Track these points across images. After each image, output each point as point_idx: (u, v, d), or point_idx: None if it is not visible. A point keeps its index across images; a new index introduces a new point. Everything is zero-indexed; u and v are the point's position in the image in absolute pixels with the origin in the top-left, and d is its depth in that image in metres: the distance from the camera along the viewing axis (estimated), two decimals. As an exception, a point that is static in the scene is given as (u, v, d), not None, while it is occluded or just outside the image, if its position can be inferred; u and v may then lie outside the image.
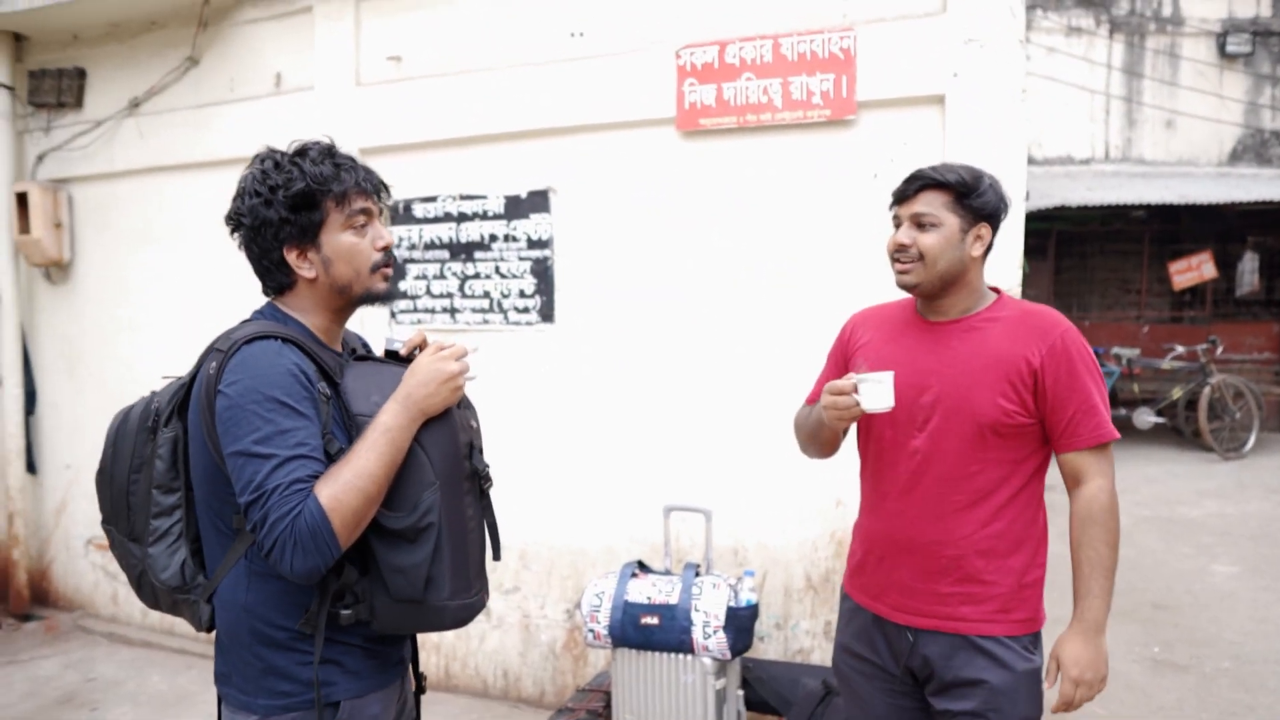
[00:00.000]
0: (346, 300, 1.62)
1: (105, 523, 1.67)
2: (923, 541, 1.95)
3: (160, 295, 4.78)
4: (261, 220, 1.54)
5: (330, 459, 1.46)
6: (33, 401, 5.23)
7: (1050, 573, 2.09)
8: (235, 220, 1.59)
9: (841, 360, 2.21)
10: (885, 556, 2.03)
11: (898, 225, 2.01)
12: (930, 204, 1.94)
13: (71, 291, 5.12)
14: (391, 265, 1.66)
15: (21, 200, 4.91)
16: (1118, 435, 1.92)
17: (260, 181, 1.54)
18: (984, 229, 1.96)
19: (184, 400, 1.58)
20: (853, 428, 2.16)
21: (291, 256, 1.56)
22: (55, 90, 4.96)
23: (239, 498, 1.41)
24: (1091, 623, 1.86)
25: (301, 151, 1.58)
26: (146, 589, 1.64)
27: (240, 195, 1.57)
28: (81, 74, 4.96)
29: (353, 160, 1.61)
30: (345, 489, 1.40)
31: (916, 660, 1.97)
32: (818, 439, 2.16)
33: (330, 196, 1.55)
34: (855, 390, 1.88)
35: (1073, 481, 1.92)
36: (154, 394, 1.66)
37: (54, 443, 5.23)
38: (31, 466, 5.23)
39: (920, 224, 1.95)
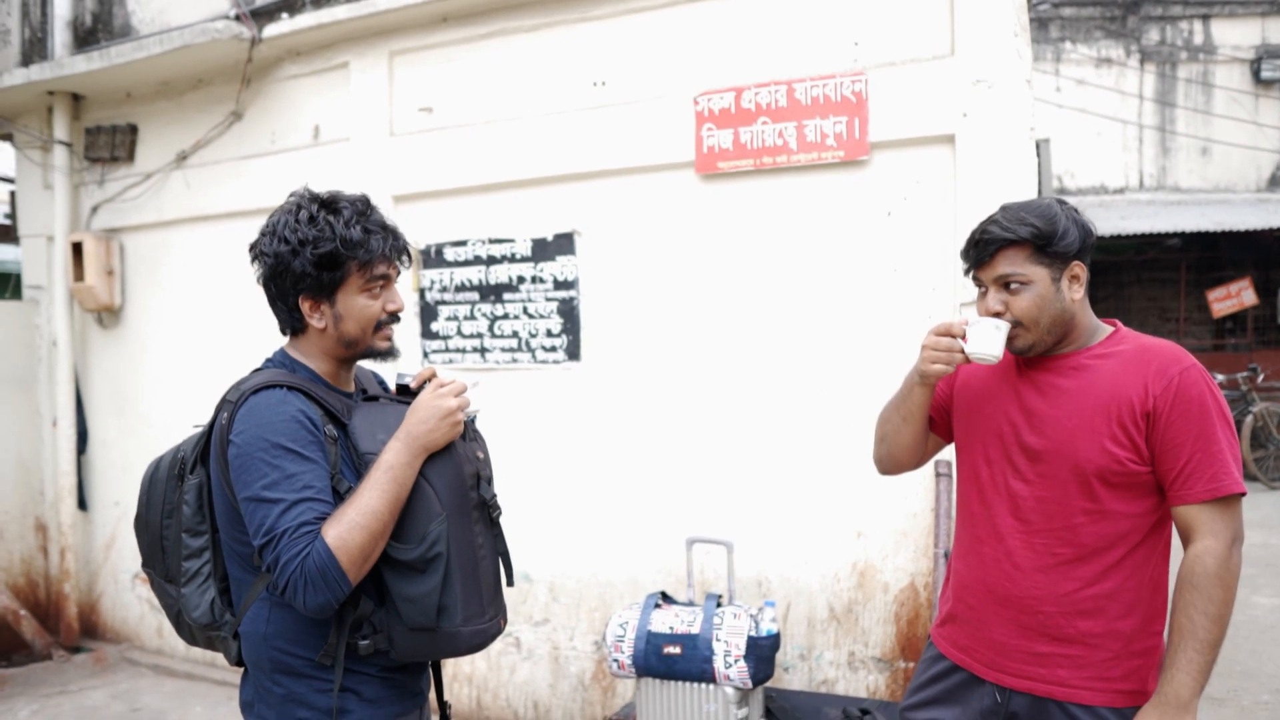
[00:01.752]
0: (351, 353, 1.70)
1: (145, 565, 1.78)
2: (1018, 596, 1.80)
3: (204, 339, 4.99)
4: (284, 267, 1.61)
5: (340, 498, 1.54)
6: (84, 441, 5.45)
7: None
8: (258, 256, 1.66)
9: (944, 388, 2.04)
10: (977, 607, 1.88)
11: (980, 287, 1.85)
12: (1012, 262, 1.77)
13: (122, 335, 5.35)
14: (395, 325, 1.74)
15: (77, 250, 5.16)
16: (1242, 489, 1.67)
17: (292, 230, 1.60)
18: (1078, 268, 1.79)
19: (205, 448, 1.67)
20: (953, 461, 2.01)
21: (305, 306, 1.65)
22: (109, 145, 5.24)
23: (252, 540, 1.50)
24: (1172, 699, 1.63)
25: (335, 208, 1.64)
26: (184, 626, 1.73)
27: (269, 234, 1.63)
28: (133, 129, 5.22)
29: (383, 224, 1.68)
30: (350, 528, 1.48)
31: None
32: (899, 411, 1.99)
33: (355, 261, 1.62)
34: (965, 334, 1.75)
35: (1184, 539, 1.70)
36: (181, 444, 1.76)
37: (104, 481, 5.43)
38: (83, 504, 5.44)
39: (1008, 286, 1.78)
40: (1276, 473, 8.81)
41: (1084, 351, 1.81)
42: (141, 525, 1.77)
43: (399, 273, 1.75)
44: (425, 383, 1.74)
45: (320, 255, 1.60)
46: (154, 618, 5.18)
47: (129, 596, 5.30)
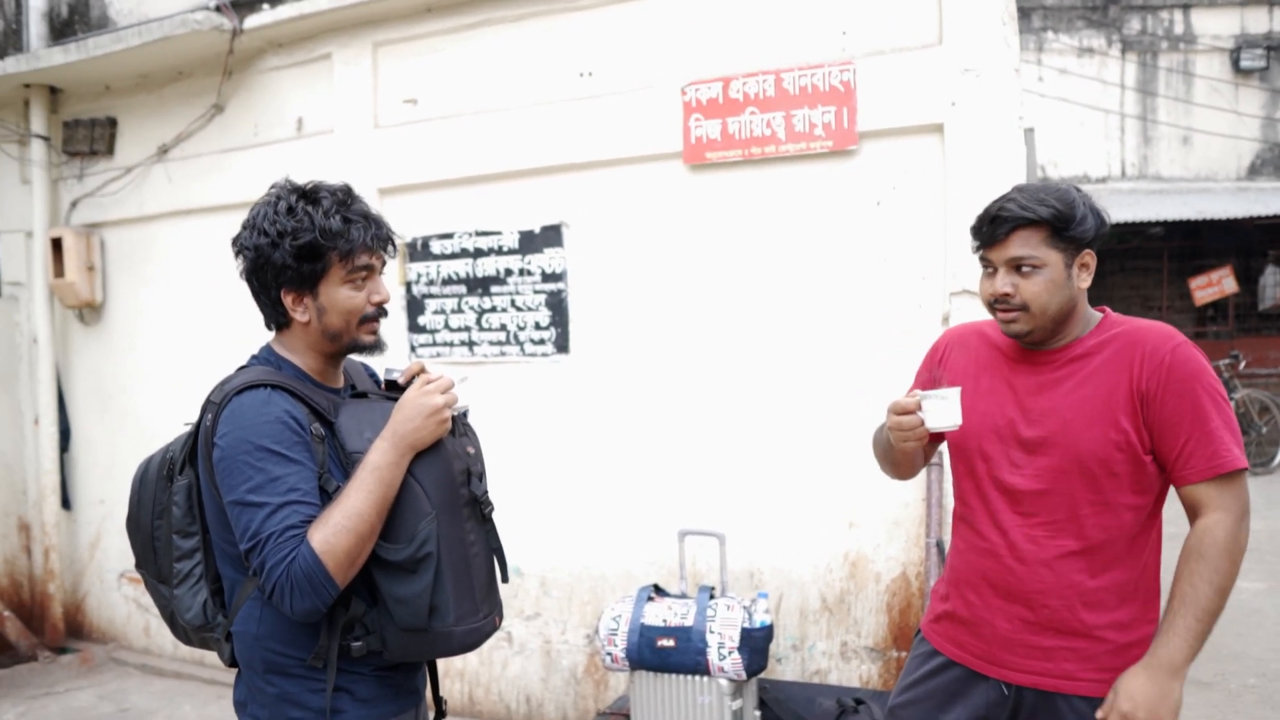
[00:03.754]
0: (336, 347, 1.66)
1: (138, 566, 1.75)
2: (1023, 590, 1.77)
3: (189, 335, 4.93)
4: (265, 260, 1.58)
5: (328, 497, 1.52)
6: (67, 439, 5.39)
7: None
8: (240, 250, 1.64)
9: (929, 381, 2.01)
10: (975, 604, 1.85)
11: (987, 267, 1.80)
12: (1027, 244, 1.71)
13: (103, 332, 5.29)
14: (382, 319, 1.70)
15: (56, 245, 5.09)
16: (1244, 464, 1.65)
17: (270, 222, 1.57)
18: (1088, 256, 1.75)
19: (194, 449, 1.64)
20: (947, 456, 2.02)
21: (288, 300, 1.61)
22: (88, 139, 5.16)
23: (239, 545, 1.49)
24: (1164, 660, 1.62)
25: (315, 198, 1.60)
26: (178, 627, 1.71)
27: (250, 226, 1.61)
28: (113, 123, 5.15)
29: (365, 213, 1.64)
30: (336, 531, 1.45)
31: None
32: (890, 459, 2.00)
33: (336, 251, 1.58)
34: (920, 408, 1.74)
35: (1191, 516, 1.69)
36: (170, 444, 1.73)
37: (88, 479, 5.37)
38: (66, 502, 5.38)
39: (1019, 268, 1.72)
40: (1259, 459, 8.90)
41: (1077, 342, 1.78)
42: (133, 526, 1.74)
43: (384, 264, 1.71)
44: (414, 378, 1.71)
45: (300, 246, 1.57)
46: (141, 617, 5.13)
47: (115, 596, 5.25)
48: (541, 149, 3.89)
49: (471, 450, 1.70)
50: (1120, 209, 10.00)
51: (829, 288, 3.44)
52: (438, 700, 1.83)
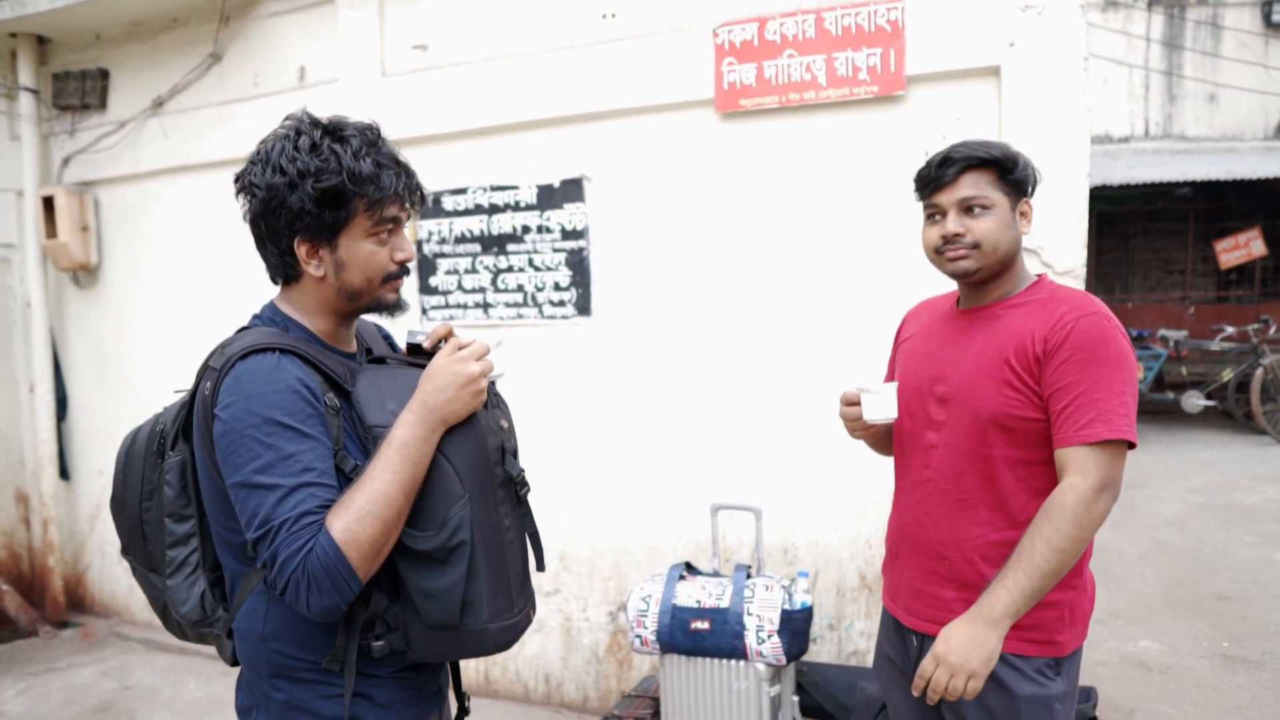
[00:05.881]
0: (353, 307, 1.47)
1: (124, 552, 1.56)
2: (928, 542, 1.83)
3: (188, 296, 4.72)
4: (279, 202, 1.36)
5: (345, 479, 1.33)
6: (64, 407, 5.20)
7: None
8: (248, 188, 1.41)
9: (894, 356, 2.10)
10: (898, 555, 1.93)
11: (933, 214, 1.83)
12: (977, 185, 1.76)
13: (99, 295, 5.07)
14: (405, 277, 1.51)
15: (48, 204, 4.86)
16: (1121, 435, 1.62)
17: (290, 159, 1.36)
18: (1026, 205, 1.81)
19: (188, 421, 1.43)
20: None
21: (301, 250, 1.40)
22: (79, 92, 4.90)
23: (245, 533, 1.29)
24: (985, 611, 1.62)
25: (341, 135, 1.39)
26: (171, 621, 1.53)
27: (262, 162, 1.39)
28: (104, 75, 4.89)
29: (395, 159, 1.43)
30: (360, 518, 1.26)
31: None
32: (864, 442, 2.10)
33: (364, 199, 1.38)
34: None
35: (1058, 479, 1.68)
36: (159, 414, 1.53)
37: (86, 448, 5.18)
38: (64, 472, 5.20)
39: (969, 209, 1.76)
40: (1289, 427, 8.68)
41: (1003, 301, 1.81)
42: (118, 507, 1.54)
43: (410, 217, 1.50)
44: (440, 342, 1.51)
45: (323, 190, 1.35)
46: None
47: (116, 569, 5.08)
48: (561, 97, 3.63)
49: (505, 424, 1.50)
50: (1144, 169, 9.70)
51: (872, 244, 3.21)
52: (460, 697, 1.65)
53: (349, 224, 1.39)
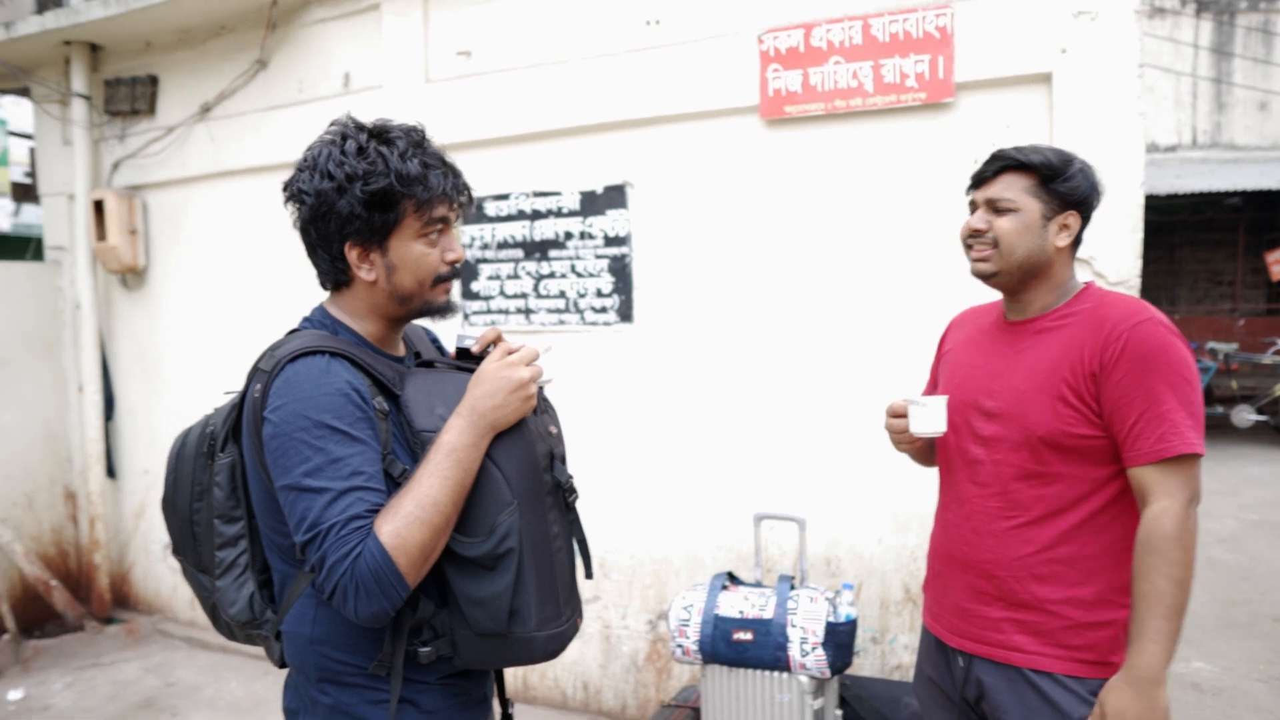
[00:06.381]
0: (404, 311, 1.47)
1: (175, 552, 1.57)
2: (975, 559, 1.79)
3: (232, 299, 4.78)
4: (329, 207, 1.37)
5: (393, 483, 1.32)
6: (111, 407, 5.28)
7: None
8: (297, 196, 1.42)
9: (936, 366, 2.07)
10: (943, 573, 1.89)
11: (973, 210, 1.85)
12: (1009, 187, 1.76)
13: (146, 297, 5.15)
14: (456, 279, 1.51)
15: (98, 208, 4.94)
16: (1195, 449, 1.58)
17: (337, 164, 1.37)
18: (1071, 217, 1.76)
19: (237, 423, 1.44)
20: None
21: (352, 255, 1.41)
22: (129, 98, 4.99)
23: (294, 536, 1.29)
24: (1144, 671, 1.54)
25: (387, 138, 1.40)
26: (220, 621, 1.53)
27: (309, 169, 1.40)
28: (154, 81, 4.98)
29: (441, 159, 1.43)
30: (408, 523, 1.26)
31: (971, 690, 1.81)
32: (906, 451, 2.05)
33: (412, 200, 1.39)
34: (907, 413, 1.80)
35: (1140, 502, 1.63)
36: (210, 415, 1.54)
37: (132, 448, 5.27)
38: (111, 471, 5.29)
39: (997, 208, 1.77)
40: (1338, 441, 8.47)
41: (1050, 314, 1.77)
42: (169, 508, 1.55)
43: (459, 217, 1.50)
44: (489, 347, 1.50)
45: (371, 193, 1.36)
46: (186, 589, 5.02)
47: (160, 567, 5.15)
48: (604, 104, 3.63)
49: (554, 430, 1.50)
50: (1192, 178, 9.52)
51: (916, 254, 3.16)
52: (504, 702, 1.64)
53: (399, 226, 1.40)
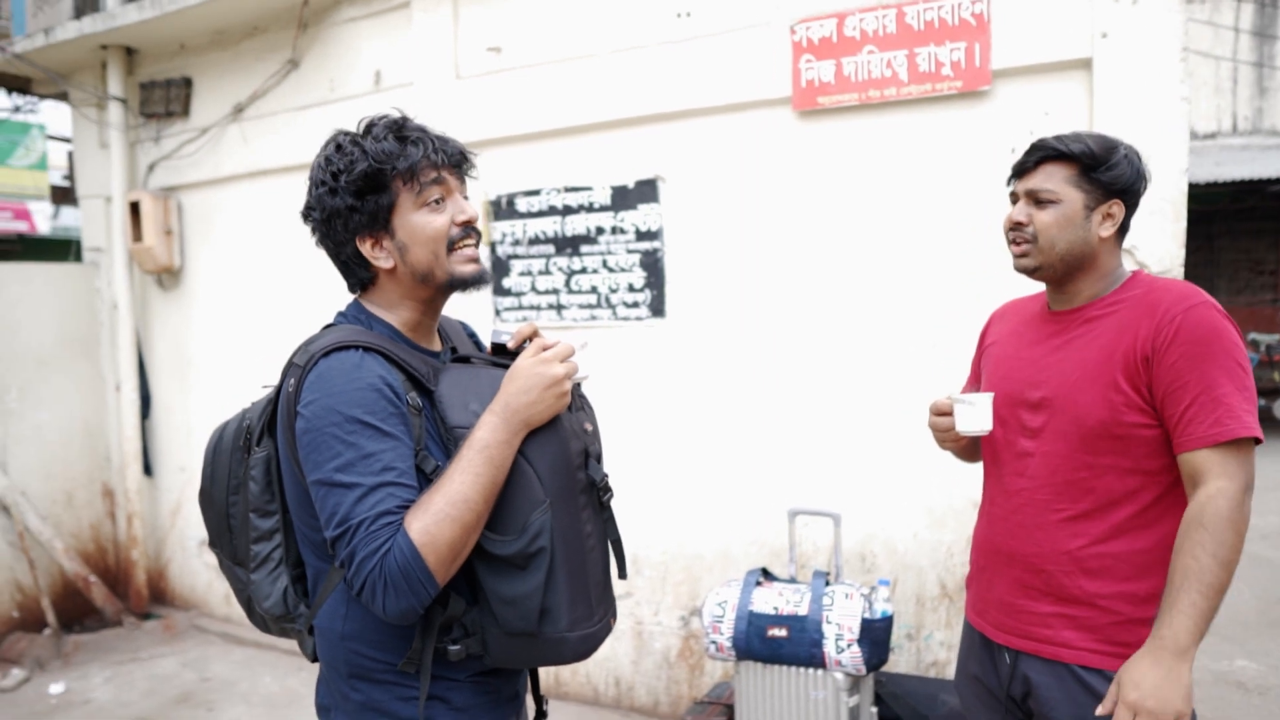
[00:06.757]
0: (432, 289, 1.45)
1: (211, 545, 1.57)
2: (1022, 554, 1.74)
3: (266, 298, 4.82)
4: (330, 210, 1.39)
5: (425, 479, 1.31)
6: (148, 405, 5.35)
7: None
8: (306, 214, 1.46)
9: (978, 360, 2.03)
10: (988, 568, 1.85)
11: (1014, 202, 1.80)
12: (1050, 178, 1.71)
13: (182, 297, 5.21)
14: (474, 241, 1.47)
15: (134, 209, 5.01)
16: (1254, 433, 1.54)
17: (324, 169, 1.40)
18: (1115, 206, 1.71)
19: (273, 417, 1.44)
20: None
21: (365, 247, 1.41)
22: (164, 100, 5.05)
23: (324, 531, 1.28)
24: (1169, 642, 1.48)
25: (366, 129, 1.42)
26: (255, 615, 1.53)
27: (309, 185, 1.44)
28: (188, 83, 5.03)
29: (423, 131, 1.42)
30: (439, 520, 1.24)
31: (1018, 687, 1.76)
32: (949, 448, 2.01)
33: (397, 175, 1.38)
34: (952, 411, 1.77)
35: (1191, 486, 1.57)
36: (247, 410, 1.54)
37: (169, 445, 5.33)
38: (148, 469, 5.36)
39: (1038, 200, 1.72)
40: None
41: (1097, 302, 1.74)
42: (206, 501, 1.55)
43: (462, 182, 1.47)
44: (525, 342, 1.48)
45: (356, 180, 1.37)
46: (221, 585, 5.08)
47: (196, 563, 5.22)
48: (635, 97, 3.61)
49: (589, 427, 1.47)
50: (1233, 165, 9.32)
51: (954, 245, 3.11)
52: (539, 700, 1.62)
53: (396, 205, 1.40)
